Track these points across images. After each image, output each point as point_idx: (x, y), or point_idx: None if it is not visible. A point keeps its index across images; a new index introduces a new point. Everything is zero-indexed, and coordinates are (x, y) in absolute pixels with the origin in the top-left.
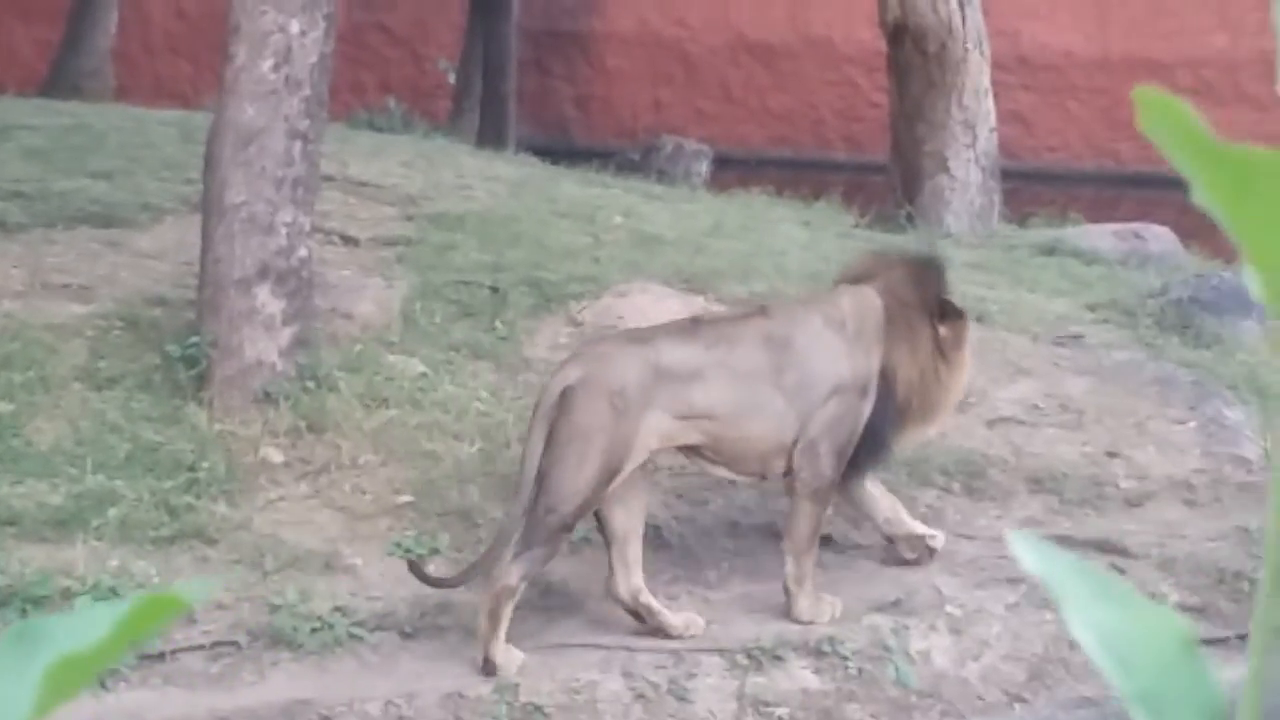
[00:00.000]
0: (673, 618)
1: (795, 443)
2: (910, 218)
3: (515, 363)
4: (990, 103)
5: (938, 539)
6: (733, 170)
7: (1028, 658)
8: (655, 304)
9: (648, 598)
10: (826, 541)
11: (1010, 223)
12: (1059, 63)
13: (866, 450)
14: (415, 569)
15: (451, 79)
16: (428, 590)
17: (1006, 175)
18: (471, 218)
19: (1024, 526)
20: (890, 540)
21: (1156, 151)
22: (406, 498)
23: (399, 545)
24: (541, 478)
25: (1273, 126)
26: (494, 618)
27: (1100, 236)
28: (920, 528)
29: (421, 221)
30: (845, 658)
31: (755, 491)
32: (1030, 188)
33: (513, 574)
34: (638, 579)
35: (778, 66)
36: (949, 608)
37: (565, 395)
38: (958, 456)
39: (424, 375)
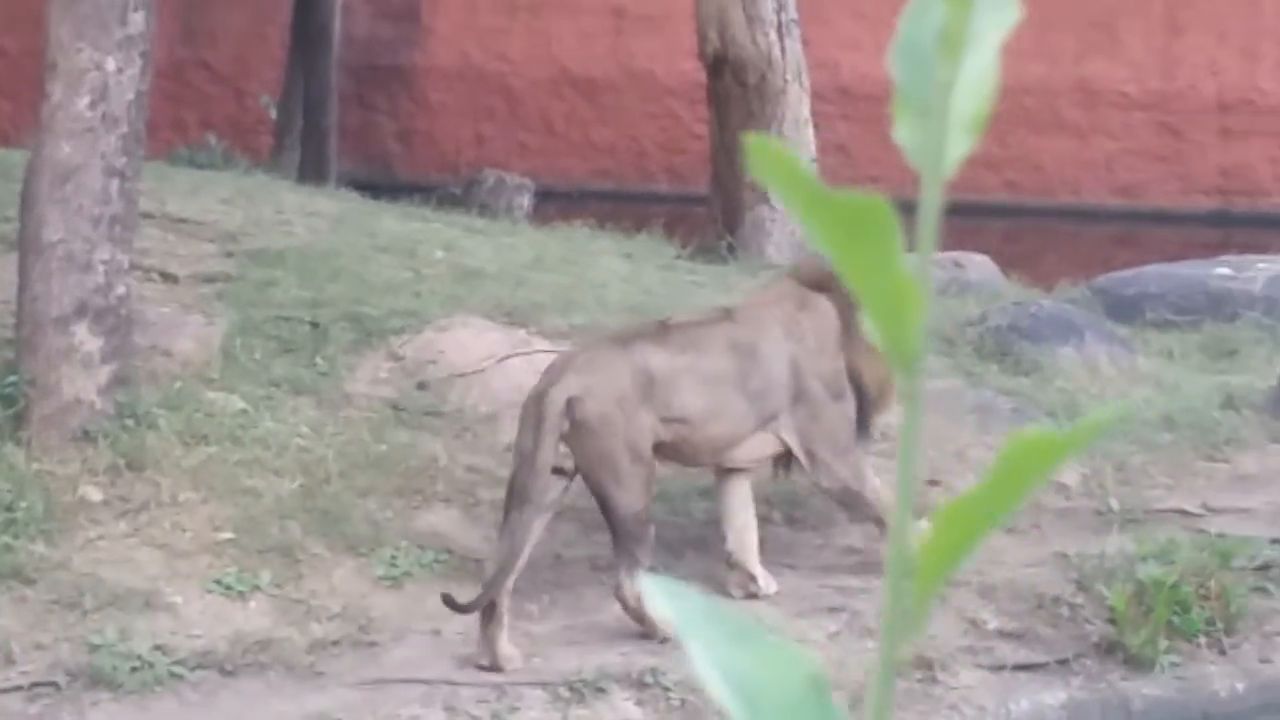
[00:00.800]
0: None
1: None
2: (731, 248)
3: (336, 398)
4: (810, 133)
5: (768, 588)
6: (555, 203)
7: (850, 685)
8: (476, 338)
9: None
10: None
11: None
12: (880, 93)
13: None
14: (448, 601)
15: (273, 114)
16: (249, 628)
17: None
18: (291, 253)
19: (845, 555)
20: (728, 565)
21: (977, 180)
22: (227, 534)
23: (219, 583)
24: (601, 502)
25: (1091, 154)
26: (646, 622)
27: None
28: (759, 570)
29: (241, 258)
30: (667, 688)
31: (578, 524)
32: None
33: (631, 585)
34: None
35: (600, 99)
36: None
37: (573, 407)
38: (779, 486)
39: (244, 412)
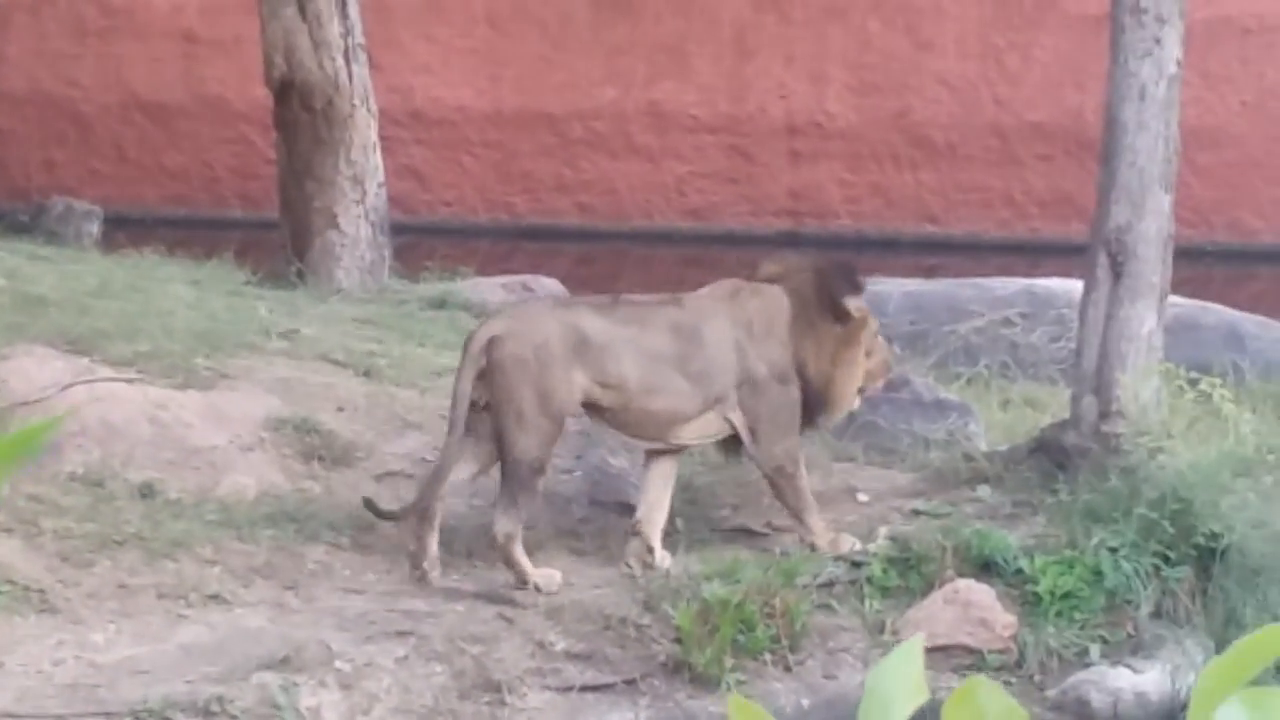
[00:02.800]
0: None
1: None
2: (301, 274)
3: None
4: (379, 158)
5: (663, 563)
6: (128, 230)
7: (418, 710)
8: (39, 366)
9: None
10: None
11: (403, 277)
12: (452, 117)
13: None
14: (370, 505)
15: None
16: None
17: (402, 230)
18: None
19: (412, 580)
20: (630, 533)
21: (549, 204)
22: None
23: None
24: (500, 442)
25: (662, 177)
26: (513, 562)
27: (490, 289)
28: (658, 545)
29: None
30: (234, 717)
31: (143, 552)
32: (427, 242)
33: (505, 524)
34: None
35: (172, 125)
36: (338, 663)
37: (493, 345)
38: (347, 512)
39: None
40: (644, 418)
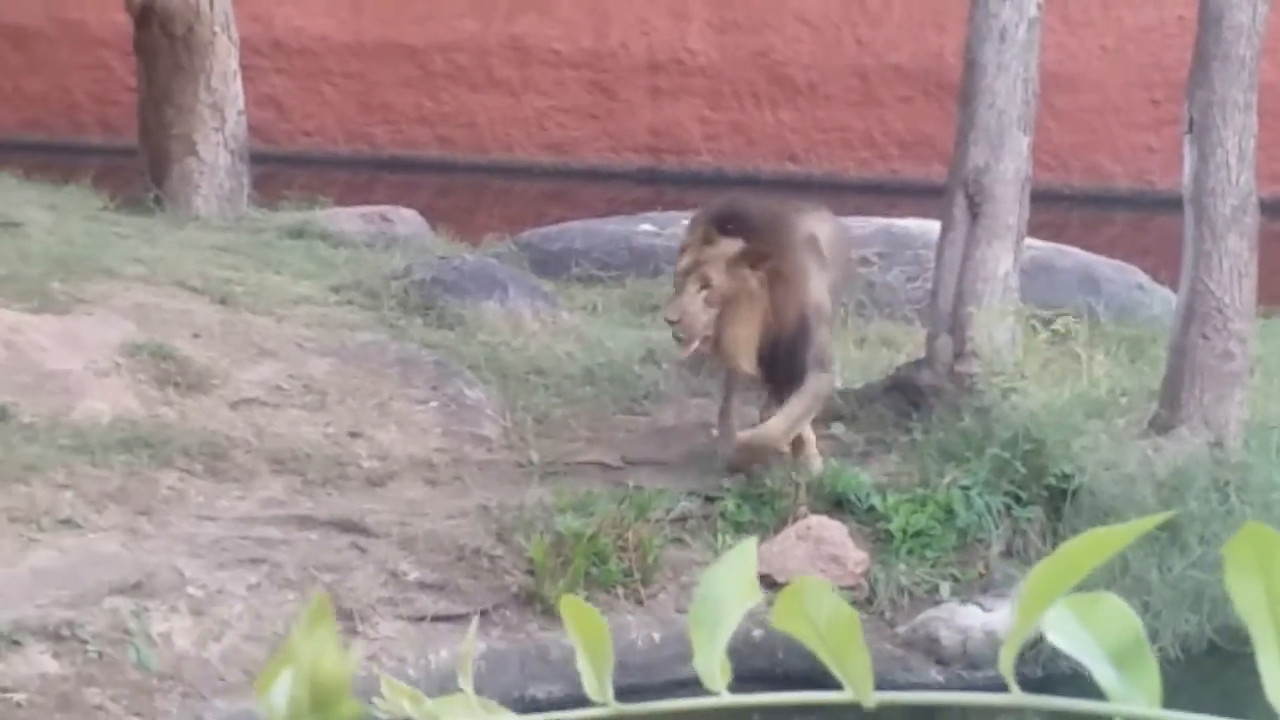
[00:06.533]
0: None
1: None
2: (159, 200)
3: None
4: (239, 86)
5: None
6: None
7: (269, 637)
8: None
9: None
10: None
11: (261, 206)
12: (314, 47)
13: None
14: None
15: None
16: None
17: (261, 159)
18: None
19: (266, 507)
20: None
21: (409, 136)
22: None
23: None
24: None
25: (523, 111)
26: None
27: (349, 219)
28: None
29: None
30: (85, 641)
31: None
32: (286, 172)
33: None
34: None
35: (30, 49)
36: (190, 589)
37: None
38: (200, 438)
39: None
40: None
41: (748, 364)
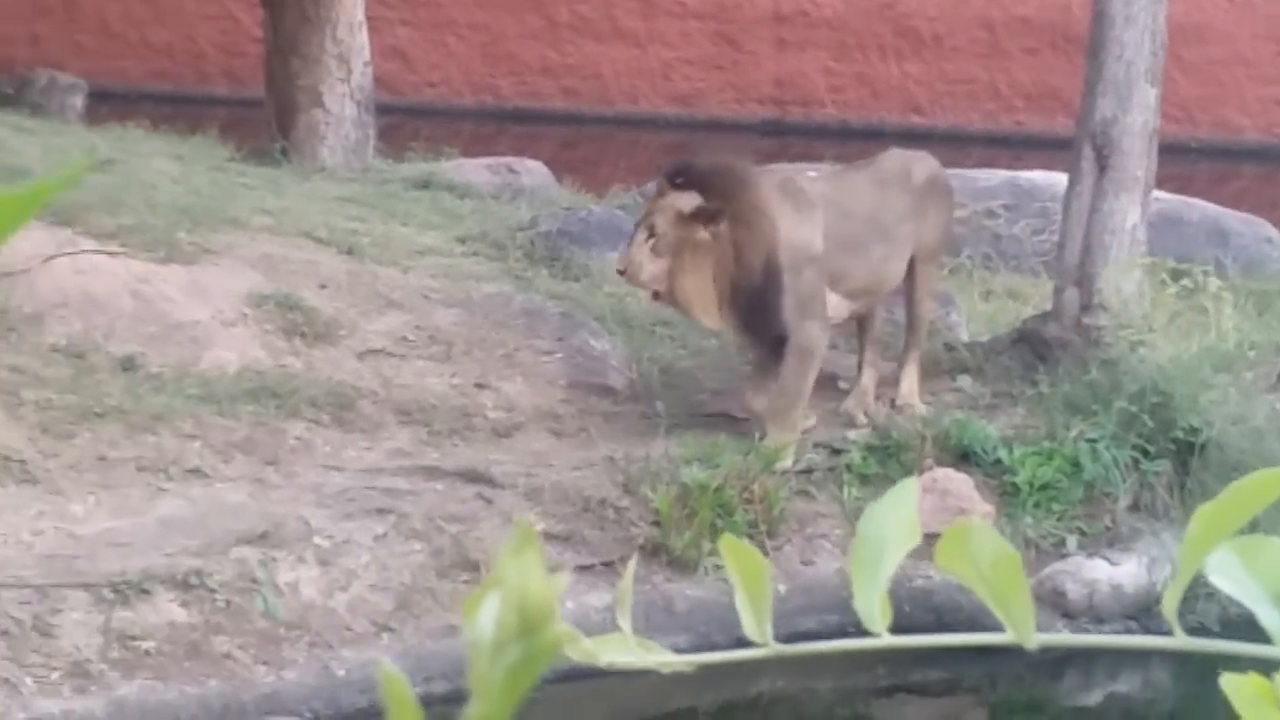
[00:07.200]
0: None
1: None
2: (285, 152)
3: None
4: (365, 37)
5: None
6: (111, 104)
7: (395, 588)
8: (22, 238)
9: None
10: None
11: (387, 158)
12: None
13: None
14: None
15: None
16: None
17: (386, 111)
18: None
19: (392, 458)
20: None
21: (535, 87)
22: None
23: None
24: None
25: (649, 62)
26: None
27: (474, 171)
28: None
29: None
30: (213, 590)
31: (123, 425)
32: (411, 123)
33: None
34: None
35: (157, 1)
36: (317, 539)
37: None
38: (327, 389)
39: None
40: None
41: (707, 316)
